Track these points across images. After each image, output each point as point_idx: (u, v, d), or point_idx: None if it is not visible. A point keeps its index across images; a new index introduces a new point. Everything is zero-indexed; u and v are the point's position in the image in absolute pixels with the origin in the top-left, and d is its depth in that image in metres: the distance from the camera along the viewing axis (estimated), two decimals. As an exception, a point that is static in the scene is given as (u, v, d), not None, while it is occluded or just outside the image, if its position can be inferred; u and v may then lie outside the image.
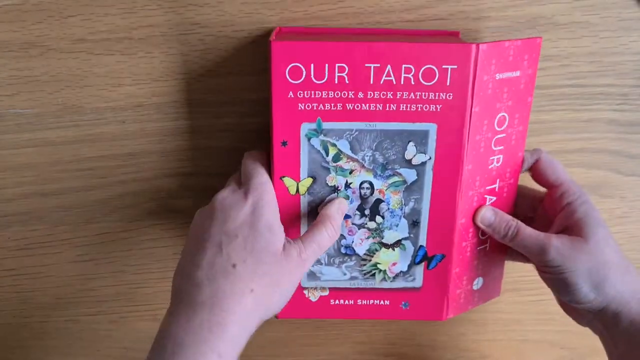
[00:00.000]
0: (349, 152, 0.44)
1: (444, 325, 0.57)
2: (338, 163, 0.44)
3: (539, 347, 0.58)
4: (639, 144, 0.50)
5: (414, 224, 0.47)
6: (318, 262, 0.49)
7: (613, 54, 0.46)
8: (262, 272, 0.37)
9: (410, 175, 0.45)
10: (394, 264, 0.49)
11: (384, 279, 0.49)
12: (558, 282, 0.41)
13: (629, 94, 0.48)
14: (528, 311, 0.56)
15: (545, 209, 0.46)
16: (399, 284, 0.49)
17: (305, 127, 0.43)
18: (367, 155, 0.44)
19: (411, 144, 0.44)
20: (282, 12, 0.44)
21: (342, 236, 0.48)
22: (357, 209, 0.46)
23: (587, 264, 0.40)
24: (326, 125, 0.43)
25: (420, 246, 0.47)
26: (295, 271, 0.39)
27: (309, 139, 0.43)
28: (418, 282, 0.49)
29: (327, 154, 0.44)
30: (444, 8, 0.45)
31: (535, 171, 0.45)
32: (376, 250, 0.48)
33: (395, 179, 0.45)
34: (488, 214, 0.45)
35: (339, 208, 0.43)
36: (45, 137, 0.48)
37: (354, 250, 0.48)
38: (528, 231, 0.43)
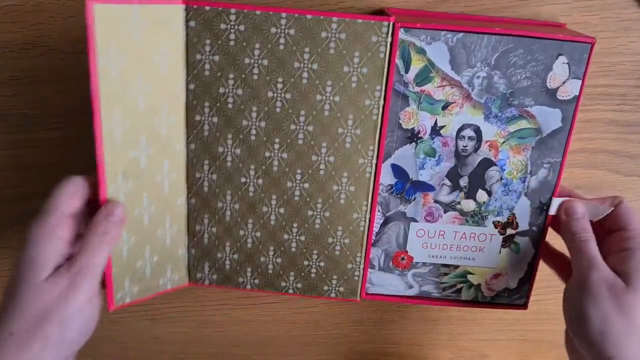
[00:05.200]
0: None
1: (444, 324, 0.57)
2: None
3: (539, 347, 0.58)
4: (639, 144, 0.50)
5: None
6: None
7: (612, 54, 0.46)
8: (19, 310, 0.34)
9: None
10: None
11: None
12: (576, 311, 0.37)
13: (629, 94, 0.48)
14: (528, 311, 0.56)
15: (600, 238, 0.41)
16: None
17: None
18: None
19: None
20: (282, 13, 0.44)
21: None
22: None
23: (606, 312, 0.36)
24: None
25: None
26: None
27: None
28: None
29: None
30: (444, 9, 0.44)
31: (614, 215, 0.40)
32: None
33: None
34: (579, 208, 0.37)
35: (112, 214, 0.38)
36: (45, 137, 0.48)
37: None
38: (596, 248, 0.38)
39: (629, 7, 0.45)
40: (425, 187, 0.31)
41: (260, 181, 0.42)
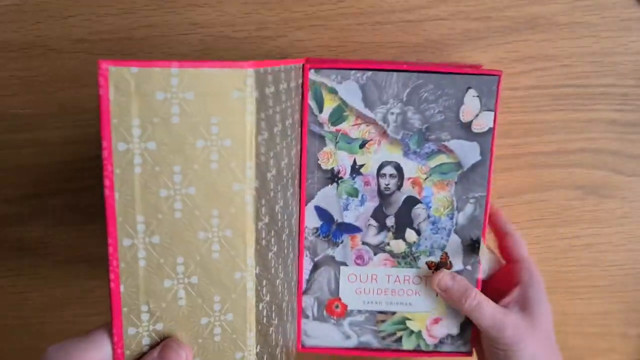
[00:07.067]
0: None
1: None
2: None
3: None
4: (639, 144, 0.50)
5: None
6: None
7: (613, 54, 0.46)
8: None
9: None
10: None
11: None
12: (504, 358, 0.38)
13: (630, 94, 0.48)
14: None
15: (497, 279, 0.42)
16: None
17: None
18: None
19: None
20: (282, 12, 0.44)
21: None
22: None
23: (534, 349, 0.38)
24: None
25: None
26: None
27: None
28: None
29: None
30: (445, 8, 0.45)
31: (503, 244, 0.42)
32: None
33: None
34: (446, 279, 0.36)
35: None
36: (45, 137, 0.48)
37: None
38: (490, 304, 0.38)
39: (629, 6, 0.45)
40: (351, 229, 0.30)
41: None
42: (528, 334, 0.38)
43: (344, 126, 0.28)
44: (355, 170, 0.29)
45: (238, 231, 0.29)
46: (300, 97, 0.30)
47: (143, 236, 0.28)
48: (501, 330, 0.37)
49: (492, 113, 0.29)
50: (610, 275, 0.53)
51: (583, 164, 0.50)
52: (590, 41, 0.46)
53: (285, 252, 0.34)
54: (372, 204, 0.29)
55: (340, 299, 0.33)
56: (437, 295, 0.34)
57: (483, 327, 0.38)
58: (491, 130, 0.29)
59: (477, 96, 0.28)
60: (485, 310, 0.37)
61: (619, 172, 0.50)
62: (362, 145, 0.28)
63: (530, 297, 0.39)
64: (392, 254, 0.31)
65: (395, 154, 0.29)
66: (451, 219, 0.30)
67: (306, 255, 0.33)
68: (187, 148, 0.28)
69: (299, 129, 0.30)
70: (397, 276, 0.31)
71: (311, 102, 0.28)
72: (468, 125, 0.29)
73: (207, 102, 0.27)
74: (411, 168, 0.29)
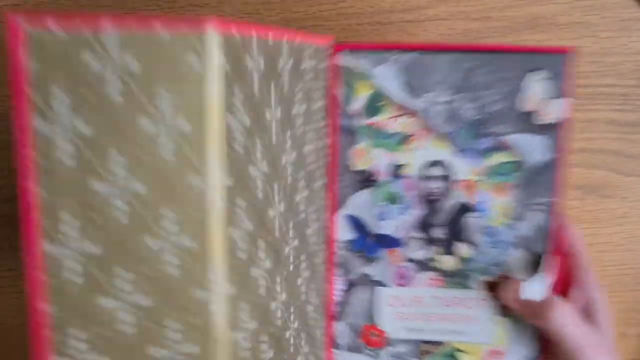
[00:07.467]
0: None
1: None
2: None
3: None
4: (639, 144, 0.50)
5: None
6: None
7: (613, 54, 0.46)
8: None
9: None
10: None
11: None
12: None
13: (629, 94, 0.48)
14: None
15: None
16: None
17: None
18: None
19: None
20: (282, 12, 0.44)
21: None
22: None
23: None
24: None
25: None
26: None
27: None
28: None
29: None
30: (445, 8, 0.45)
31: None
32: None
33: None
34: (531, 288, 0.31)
35: None
36: (45, 138, 0.48)
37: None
38: (577, 321, 0.32)
39: (629, 6, 0.45)
40: (390, 242, 0.25)
41: None
42: (603, 353, 0.33)
43: (379, 119, 0.24)
44: (394, 171, 0.24)
45: (200, 238, 0.22)
46: (324, 83, 0.24)
47: (75, 243, 0.23)
48: (583, 352, 0.31)
49: (563, 100, 0.24)
50: (610, 275, 0.53)
51: (583, 163, 0.50)
52: (590, 41, 0.46)
53: (291, 269, 0.28)
54: (415, 212, 0.25)
55: (377, 326, 0.28)
56: (501, 312, 0.28)
57: (567, 348, 0.31)
58: (562, 122, 0.24)
59: (543, 80, 0.24)
60: (574, 329, 0.31)
61: (619, 172, 0.50)
62: (402, 142, 0.24)
63: (591, 301, 0.34)
64: (440, 271, 0.26)
65: (443, 152, 0.24)
66: (512, 230, 0.25)
67: (339, 275, 0.28)
68: (130, 131, 0.22)
69: (323, 121, 0.24)
70: (447, 298, 0.26)
71: (339, 90, 0.24)
72: (531, 116, 0.24)
73: (156, 74, 0.21)
74: (462, 169, 0.24)
